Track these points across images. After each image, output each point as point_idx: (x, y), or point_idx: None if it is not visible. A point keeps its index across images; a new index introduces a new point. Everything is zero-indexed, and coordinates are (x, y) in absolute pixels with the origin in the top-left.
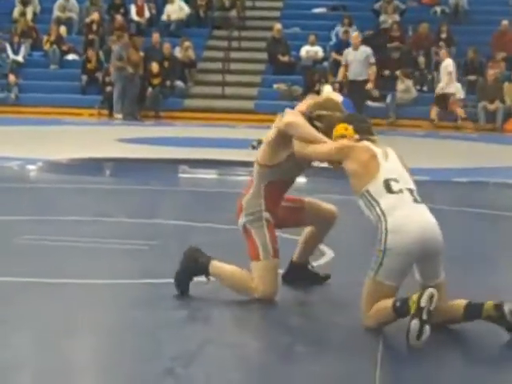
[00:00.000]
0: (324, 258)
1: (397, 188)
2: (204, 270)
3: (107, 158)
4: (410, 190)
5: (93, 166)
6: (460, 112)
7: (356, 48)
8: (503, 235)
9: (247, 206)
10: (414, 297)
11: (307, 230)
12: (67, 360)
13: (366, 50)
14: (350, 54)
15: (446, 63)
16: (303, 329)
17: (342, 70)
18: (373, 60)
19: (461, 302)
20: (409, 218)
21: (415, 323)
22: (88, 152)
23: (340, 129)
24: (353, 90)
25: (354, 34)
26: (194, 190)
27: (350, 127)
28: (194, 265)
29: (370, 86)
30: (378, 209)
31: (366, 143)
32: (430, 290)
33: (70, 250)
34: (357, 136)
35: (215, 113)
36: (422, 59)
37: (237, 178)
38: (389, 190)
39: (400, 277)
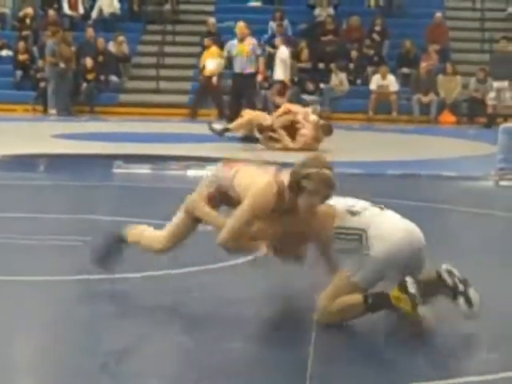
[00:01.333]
0: None
1: (358, 208)
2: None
3: (41, 153)
4: (369, 204)
5: (27, 162)
6: (279, 101)
7: (241, 40)
8: (437, 227)
9: None
10: (396, 292)
11: None
12: (2, 355)
13: (251, 41)
14: (233, 47)
15: (281, 51)
16: (240, 320)
17: (220, 63)
18: (259, 52)
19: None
20: (388, 224)
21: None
22: (22, 148)
23: None
24: (239, 83)
25: (239, 25)
26: (128, 186)
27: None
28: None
29: (259, 78)
30: (352, 230)
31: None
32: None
33: (4, 247)
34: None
35: (150, 107)
36: (354, 52)
37: (171, 173)
38: (352, 214)
39: (376, 282)
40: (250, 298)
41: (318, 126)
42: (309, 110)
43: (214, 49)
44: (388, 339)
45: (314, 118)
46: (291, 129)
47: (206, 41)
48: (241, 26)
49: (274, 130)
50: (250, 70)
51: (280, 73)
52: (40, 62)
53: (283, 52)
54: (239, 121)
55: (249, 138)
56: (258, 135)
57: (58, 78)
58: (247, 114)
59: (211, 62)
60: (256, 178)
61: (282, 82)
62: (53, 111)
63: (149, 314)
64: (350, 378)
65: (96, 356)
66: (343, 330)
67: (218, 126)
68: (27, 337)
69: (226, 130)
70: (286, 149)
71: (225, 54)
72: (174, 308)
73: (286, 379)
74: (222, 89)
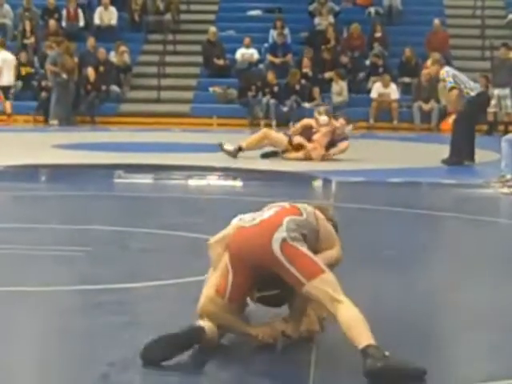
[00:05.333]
0: None
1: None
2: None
3: (42, 164)
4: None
5: (28, 173)
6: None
7: None
8: (437, 235)
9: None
10: None
11: None
12: (2, 366)
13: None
14: None
15: None
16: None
17: None
18: None
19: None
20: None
21: None
22: (23, 159)
23: None
24: None
25: None
26: (129, 196)
27: None
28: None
29: None
30: None
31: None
32: None
33: (5, 258)
34: None
35: (151, 117)
36: (355, 60)
37: (172, 183)
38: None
39: None
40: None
41: (331, 126)
42: (320, 108)
43: None
44: (388, 348)
45: (324, 118)
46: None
47: None
48: None
49: (291, 143)
50: None
51: None
52: (42, 72)
53: None
54: (252, 138)
55: (269, 154)
56: (276, 148)
57: (60, 88)
58: (262, 133)
59: None
60: None
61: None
62: (54, 122)
63: (151, 324)
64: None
65: (96, 366)
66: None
67: (229, 147)
68: (27, 347)
69: (239, 149)
70: (308, 158)
71: None
72: (177, 317)
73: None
74: None
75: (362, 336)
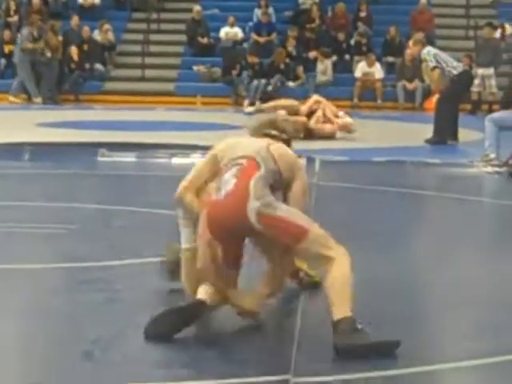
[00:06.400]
0: None
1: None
2: None
3: (26, 142)
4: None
5: (11, 151)
6: None
7: None
8: (422, 214)
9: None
10: None
11: None
12: None
13: None
14: None
15: None
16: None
17: None
18: None
19: None
20: None
21: None
22: (7, 137)
23: None
24: None
25: None
26: (113, 174)
27: None
28: None
29: None
30: None
31: None
32: None
33: None
34: None
35: (135, 95)
36: (340, 40)
37: (156, 161)
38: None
39: None
40: None
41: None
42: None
43: None
44: (372, 325)
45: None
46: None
47: None
48: None
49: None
50: None
51: None
52: None
53: None
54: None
55: None
56: None
57: (44, 66)
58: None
59: None
60: None
61: None
62: (37, 100)
63: (134, 301)
64: (331, 362)
65: (81, 344)
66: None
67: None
68: (9, 325)
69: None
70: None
71: None
72: (160, 295)
73: (274, 354)
74: None
75: (340, 306)
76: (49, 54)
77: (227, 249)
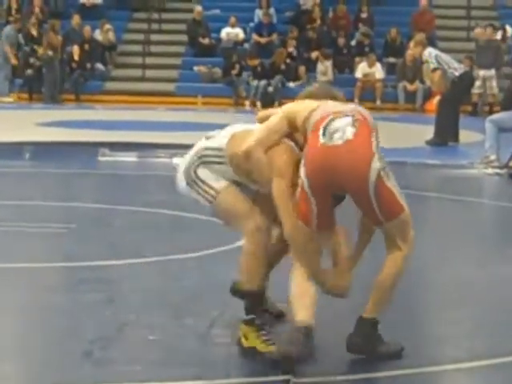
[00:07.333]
0: None
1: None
2: None
3: (27, 141)
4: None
5: (12, 150)
6: None
7: None
8: (422, 215)
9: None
10: None
11: None
12: None
13: None
14: None
15: None
16: (228, 306)
17: None
18: None
19: None
20: None
21: None
22: (7, 136)
23: None
24: None
25: None
26: (113, 173)
27: None
28: None
29: None
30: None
31: None
32: None
33: None
34: None
35: (136, 95)
36: (341, 40)
37: (157, 161)
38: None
39: None
40: None
41: None
42: None
43: None
44: None
45: None
46: None
47: None
48: None
49: None
50: None
51: None
52: (28, 49)
53: None
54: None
55: None
56: None
57: (45, 65)
58: None
59: None
60: None
61: None
62: (8, 99)
63: (134, 300)
64: (333, 363)
65: (80, 343)
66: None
67: None
68: (8, 324)
69: None
70: None
71: None
72: (159, 295)
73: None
74: None
75: (376, 306)
76: (50, 53)
77: (321, 207)
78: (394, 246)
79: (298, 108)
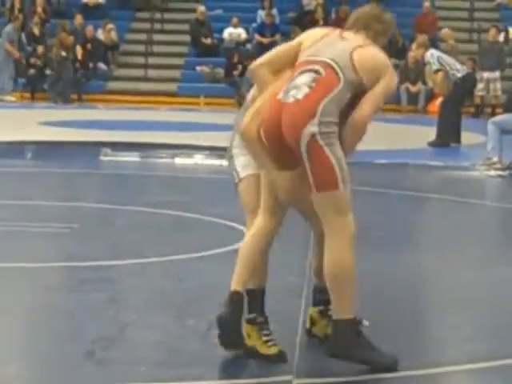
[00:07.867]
0: None
1: None
2: None
3: (29, 141)
4: None
5: (14, 150)
6: None
7: None
8: (424, 217)
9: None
10: None
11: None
12: None
13: None
14: None
15: None
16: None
17: None
18: None
19: None
20: None
21: None
22: (9, 135)
23: None
24: None
25: None
26: (115, 173)
27: None
28: None
29: None
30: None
31: None
32: None
33: None
34: None
35: (138, 95)
36: None
37: (159, 161)
38: None
39: None
40: None
41: None
42: None
43: None
44: (372, 327)
45: None
46: None
47: None
48: None
49: None
50: None
51: None
52: (31, 49)
53: None
54: None
55: None
56: None
57: (59, 65)
58: None
59: None
60: None
61: None
62: (10, 98)
63: (136, 300)
64: (334, 364)
65: (82, 343)
66: None
67: None
68: (11, 324)
69: None
70: None
71: None
72: (161, 295)
73: (274, 365)
74: None
75: (339, 305)
76: (63, 53)
77: (277, 155)
78: (327, 224)
79: (308, 35)
